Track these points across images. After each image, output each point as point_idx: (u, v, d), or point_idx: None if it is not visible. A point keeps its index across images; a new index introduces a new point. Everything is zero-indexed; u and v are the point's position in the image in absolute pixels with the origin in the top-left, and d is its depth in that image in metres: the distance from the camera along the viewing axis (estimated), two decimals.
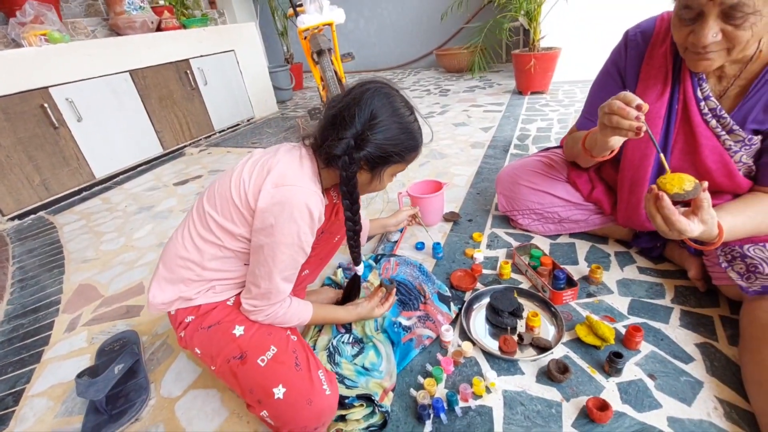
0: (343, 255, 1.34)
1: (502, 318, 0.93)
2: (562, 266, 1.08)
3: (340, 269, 1.23)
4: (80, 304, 1.26)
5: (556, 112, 2.62)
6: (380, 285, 0.99)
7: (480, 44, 3.00)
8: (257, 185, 0.69)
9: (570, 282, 1.03)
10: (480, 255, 1.20)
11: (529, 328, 0.91)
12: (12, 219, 1.90)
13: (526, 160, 1.35)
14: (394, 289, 0.99)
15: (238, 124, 3.17)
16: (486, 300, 1.02)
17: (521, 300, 1.00)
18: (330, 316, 0.90)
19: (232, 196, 0.71)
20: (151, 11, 3.04)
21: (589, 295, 1.03)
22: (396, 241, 1.35)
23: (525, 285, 1.09)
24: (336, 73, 2.02)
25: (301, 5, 2.08)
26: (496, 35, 3.11)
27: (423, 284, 1.09)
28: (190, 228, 0.76)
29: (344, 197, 0.74)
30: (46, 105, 1.95)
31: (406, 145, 0.74)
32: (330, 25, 1.97)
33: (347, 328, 0.99)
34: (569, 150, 1.20)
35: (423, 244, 1.32)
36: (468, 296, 1.06)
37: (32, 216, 1.95)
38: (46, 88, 1.96)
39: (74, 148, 2.09)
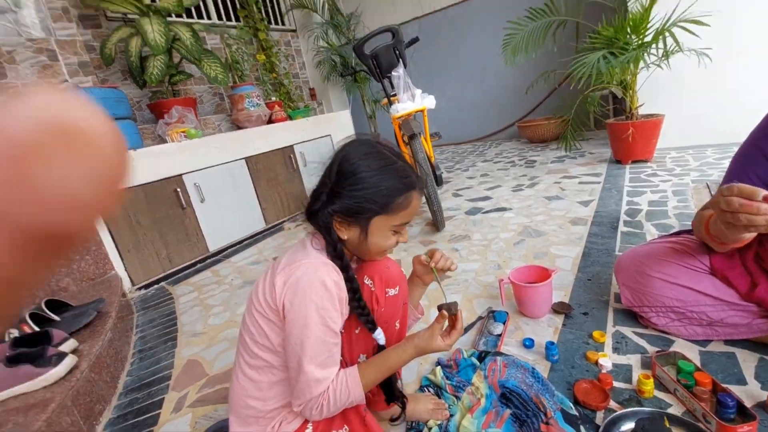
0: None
1: None
2: (726, 387, 0.86)
3: (439, 367, 1.12)
4: (188, 382, 1.32)
5: (667, 183, 2.35)
6: (440, 308, 0.79)
7: (570, 117, 2.92)
8: (270, 283, 0.70)
9: (743, 412, 0.80)
10: (607, 361, 1.02)
11: None
12: (139, 288, 2.16)
13: (653, 246, 1.18)
14: (459, 313, 0.79)
15: None
16: (627, 427, 0.83)
17: None
18: (384, 367, 0.76)
19: (255, 309, 0.71)
20: (265, 106, 3.55)
21: None
22: (499, 335, 1.22)
23: (675, 409, 0.88)
24: (426, 153, 2.08)
25: (395, 95, 2.25)
26: (585, 107, 3.01)
27: (540, 396, 0.94)
28: (240, 363, 0.76)
29: (330, 255, 0.74)
30: (178, 189, 2.29)
31: (382, 191, 0.71)
32: (422, 111, 2.09)
33: None
34: (697, 232, 1.03)
35: (532, 341, 1.17)
36: (601, 418, 0.87)
37: (155, 286, 2.20)
38: (180, 175, 2.32)
39: (195, 225, 2.38)
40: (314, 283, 0.66)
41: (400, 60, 2.15)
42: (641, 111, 2.91)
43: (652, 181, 2.44)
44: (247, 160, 2.70)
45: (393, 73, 2.12)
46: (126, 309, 1.84)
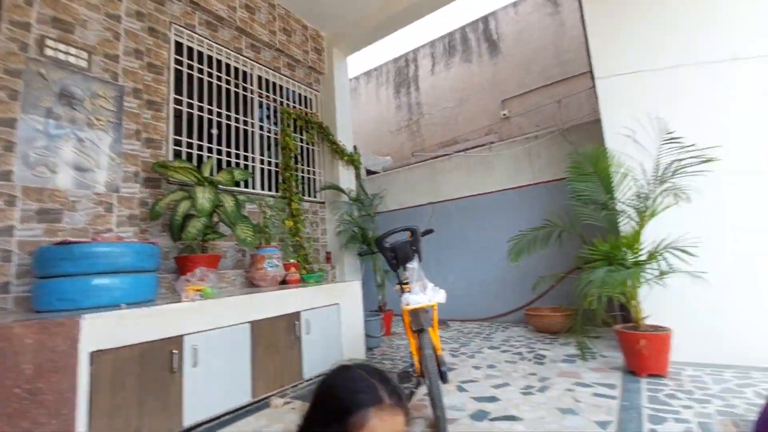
0: None
1: None
2: None
3: None
4: None
5: (690, 410, 2.18)
6: None
7: (579, 316, 2.96)
8: None
9: None
10: None
11: None
12: None
13: None
14: None
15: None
16: None
17: None
18: None
19: None
20: (282, 267, 3.73)
21: None
22: None
23: None
24: (433, 348, 2.05)
25: (407, 283, 2.37)
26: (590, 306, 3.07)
27: None
28: None
29: None
30: (174, 351, 2.21)
31: (338, 407, 0.81)
32: (433, 306, 2.17)
33: None
34: None
35: None
36: None
37: None
38: (182, 336, 2.28)
39: (178, 393, 2.21)
40: None
41: (416, 255, 2.35)
42: (648, 321, 2.93)
43: (673, 405, 2.28)
44: (253, 324, 2.68)
45: (408, 265, 2.29)
46: None
